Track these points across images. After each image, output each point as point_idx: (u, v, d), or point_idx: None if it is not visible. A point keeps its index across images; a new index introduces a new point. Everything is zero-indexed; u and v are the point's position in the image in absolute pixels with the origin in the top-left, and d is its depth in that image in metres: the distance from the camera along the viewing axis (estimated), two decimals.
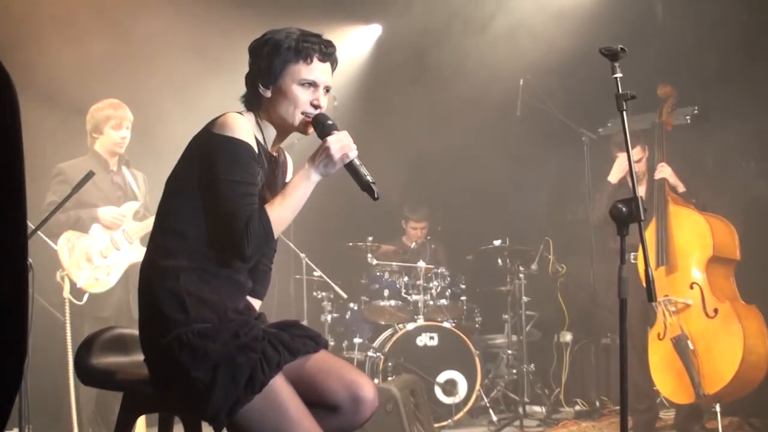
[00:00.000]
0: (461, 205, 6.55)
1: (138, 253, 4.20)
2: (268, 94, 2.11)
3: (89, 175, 3.62)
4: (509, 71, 5.75)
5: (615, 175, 4.71)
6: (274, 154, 2.19)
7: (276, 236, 2.01)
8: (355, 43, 6.56)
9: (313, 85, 2.11)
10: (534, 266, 5.69)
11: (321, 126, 2.10)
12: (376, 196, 2.03)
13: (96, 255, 4.10)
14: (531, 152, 6.26)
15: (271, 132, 2.14)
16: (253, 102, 2.15)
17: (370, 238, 5.65)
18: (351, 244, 5.67)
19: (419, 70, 6.35)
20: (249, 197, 1.98)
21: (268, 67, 2.09)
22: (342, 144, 2.07)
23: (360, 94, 6.45)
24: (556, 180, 6.35)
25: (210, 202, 1.98)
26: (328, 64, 2.14)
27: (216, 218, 1.99)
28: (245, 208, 1.97)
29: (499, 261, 5.70)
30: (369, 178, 2.06)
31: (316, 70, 2.11)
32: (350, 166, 2.07)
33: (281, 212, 2.02)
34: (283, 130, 2.15)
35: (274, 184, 2.16)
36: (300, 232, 5.52)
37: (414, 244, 5.91)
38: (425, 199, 6.29)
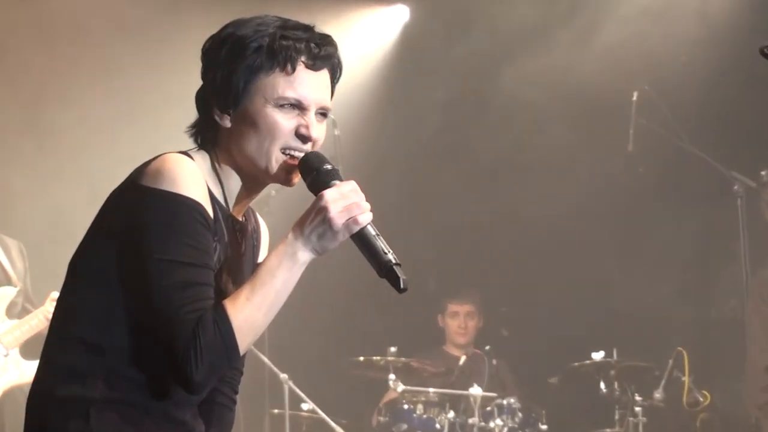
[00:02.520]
0: (538, 296, 6.56)
1: (17, 372, 4.41)
2: (228, 122, 2.05)
3: None
4: (613, 81, 5.86)
5: None
6: (240, 218, 2.13)
7: (242, 350, 1.95)
8: (370, 34, 6.70)
9: (298, 106, 2.02)
10: (659, 394, 5.54)
11: (313, 172, 2.00)
12: (402, 285, 1.94)
13: None
14: (650, 210, 6.28)
15: (235, 182, 2.08)
16: (206, 135, 2.09)
17: (393, 349, 5.67)
18: (362, 358, 5.72)
19: (466, 77, 6.52)
20: (198, 288, 1.92)
21: (228, 79, 2.03)
22: (348, 202, 1.96)
23: (375, 118, 6.56)
24: (692, 253, 6.28)
25: (137, 296, 1.95)
26: (324, 73, 2.06)
27: (148, 322, 1.94)
28: (192, 306, 1.91)
29: (603, 386, 5.65)
30: (391, 256, 1.96)
31: (304, 82, 2.04)
32: (361, 238, 1.97)
33: (250, 312, 1.94)
34: (253, 178, 2.08)
35: (239, 265, 2.12)
36: (280, 338, 5.47)
37: (463, 358, 5.86)
38: (478, 284, 6.45)
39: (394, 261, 1.96)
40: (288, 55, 2.03)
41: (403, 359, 5.65)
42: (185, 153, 2.03)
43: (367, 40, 6.63)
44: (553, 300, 6.50)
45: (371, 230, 1.98)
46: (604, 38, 6.12)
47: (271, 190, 4.90)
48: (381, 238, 1.98)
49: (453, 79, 6.61)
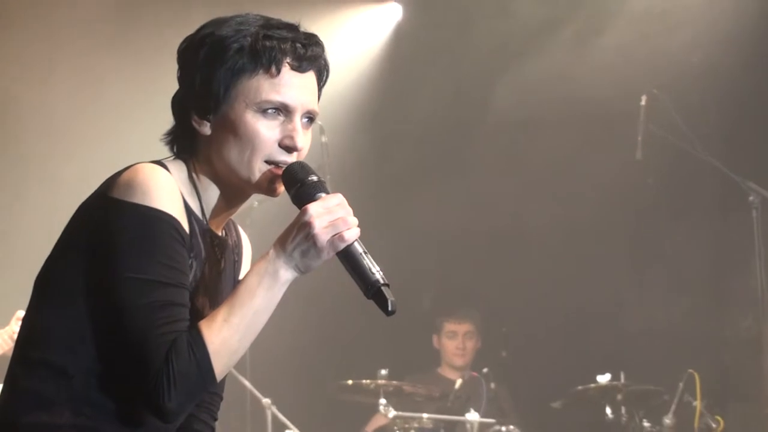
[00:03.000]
0: (540, 314, 6.51)
1: None
2: (207, 129, 2.06)
3: None
4: (618, 84, 5.87)
5: None
6: (220, 232, 2.15)
7: (219, 375, 1.95)
8: (361, 33, 6.68)
9: (283, 110, 2.04)
10: (669, 419, 5.42)
11: (297, 184, 2.02)
12: (390, 308, 1.96)
13: None
14: (660, 223, 6.29)
15: (214, 194, 2.09)
16: (183, 143, 2.11)
17: (384, 372, 5.63)
18: (351, 382, 5.66)
19: (462, 80, 6.52)
20: (172, 309, 1.93)
21: (207, 82, 2.05)
22: (333, 218, 1.96)
23: (366, 124, 6.58)
24: (705, 269, 6.26)
25: (107, 317, 1.95)
26: (310, 75, 2.09)
27: (118, 345, 1.94)
28: (165, 328, 1.91)
29: (609, 411, 5.58)
30: (378, 276, 1.97)
31: (289, 85, 2.05)
32: (347, 256, 1.98)
33: (228, 335, 1.94)
34: (234, 189, 2.09)
35: (217, 284, 2.13)
36: (262, 360, 5.55)
37: (459, 381, 5.78)
38: (475, 302, 6.43)
39: (382, 281, 1.98)
40: (272, 56, 2.03)
41: (394, 382, 5.61)
42: (159, 163, 2.04)
43: (357, 40, 6.63)
44: (555, 319, 6.50)
45: (358, 247, 1.99)
46: (608, 38, 6.12)
47: (254, 201, 4.96)
48: (369, 255, 1.99)
49: (448, 82, 6.60)
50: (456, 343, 6.15)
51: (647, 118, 5.52)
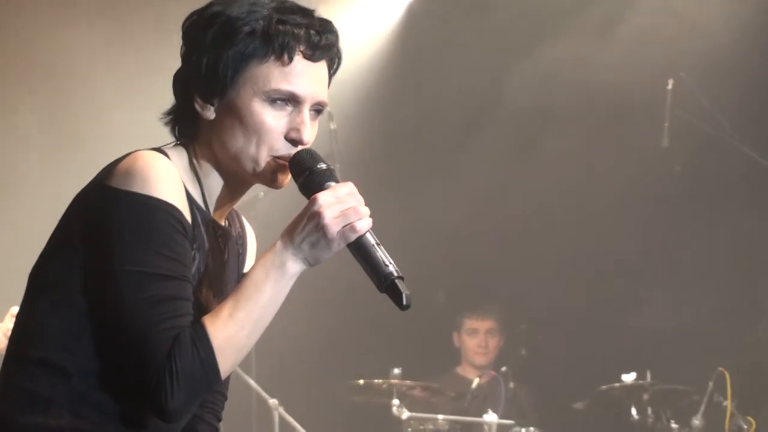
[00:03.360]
0: (561, 311, 6.44)
1: None
2: (211, 113, 2.06)
3: None
4: (643, 67, 5.85)
5: None
6: (223, 222, 2.16)
7: (224, 373, 1.96)
8: (371, 15, 6.57)
9: (292, 101, 2.04)
10: (698, 420, 5.42)
11: (305, 173, 2.03)
12: (405, 302, 1.96)
13: None
14: (688, 214, 6.22)
15: (216, 182, 2.11)
16: (185, 128, 2.11)
17: (397, 371, 5.62)
18: (362, 381, 5.67)
19: (478, 65, 6.45)
20: (174, 304, 1.93)
21: (214, 65, 2.04)
22: (344, 207, 1.97)
23: (377, 111, 6.53)
24: (736, 263, 6.17)
25: (106, 313, 1.95)
26: (322, 65, 2.08)
27: (117, 342, 1.95)
28: (167, 323, 1.91)
29: (634, 412, 5.56)
30: (392, 269, 1.97)
31: (301, 74, 2.05)
32: (359, 248, 1.98)
33: (233, 330, 1.94)
34: (237, 178, 2.10)
35: (221, 276, 2.14)
36: (269, 358, 5.49)
37: (476, 380, 5.75)
38: (493, 298, 6.40)
39: (396, 274, 1.97)
40: (285, 42, 2.03)
41: (408, 382, 5.61)
42: (159, 150, 2.03)
43: (367, 22, 6.56)
44: (578, 315, 6.45)
45: (370, 239, 1.98)
46: (632, 19, 6.06)
47: (259, 191, 4.92)
48: (381, 247, 1.99)
49: (463, 66, 6.57)
50: (477, 341, 6.12)
51: (674, 103, 5.54)
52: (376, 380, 5.60)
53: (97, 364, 1.98)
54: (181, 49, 2.11)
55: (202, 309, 2.01)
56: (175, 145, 2.10)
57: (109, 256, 1.93)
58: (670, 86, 5.51)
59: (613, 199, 6.26)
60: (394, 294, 1.98)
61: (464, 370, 6.14)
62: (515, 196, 6.45)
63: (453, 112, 6.63)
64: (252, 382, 5.31)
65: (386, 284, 1.97)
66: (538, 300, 6.53)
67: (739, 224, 6.14)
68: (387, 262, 1.98)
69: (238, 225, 2.25)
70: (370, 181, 5.39)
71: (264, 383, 5.39)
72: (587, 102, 6.17)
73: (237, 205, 2.22)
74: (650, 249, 6.38)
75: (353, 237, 1.96)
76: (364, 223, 1.97)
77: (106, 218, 1.95)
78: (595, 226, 6.33)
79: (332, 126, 5.49)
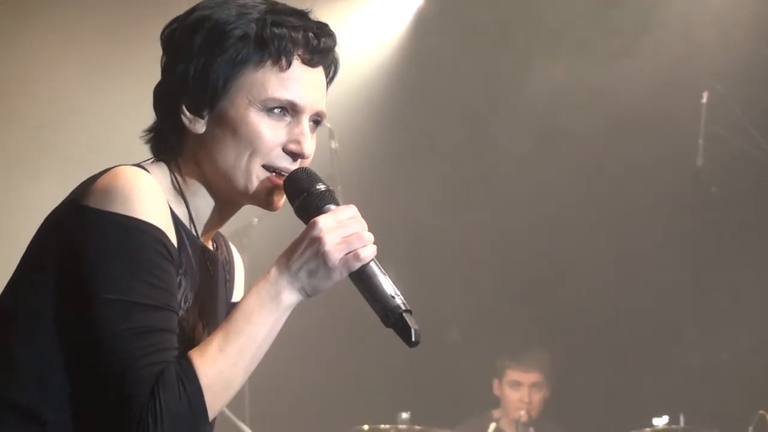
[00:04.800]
0: (588, 349, 6.33)
1: None
2: (201, 126, 2.06)
3: None
4: (674, 80, 5.87)
5: None
6: (210, 245, 2.18)
7: (213, 414, 1.95)
8: (376, 23, 6.59)
9: (290, 110, 2.05)
10: None
11: (303, 194, 2.03)
12: (413, 338, 1.95)
13: None
14: (725, 240, 6.15)
15: (204, 202, 2.11)
16: (167, 142, 2.11)
17: (405, 415, 5.61)
18: (366, 427, 5.64)
19: (490, 76, 6.44)
20: (158, 336, 1.91)
21: (204, 74, 2.04)
22: (347, 233, 1.96)
23: (382, 125, 6.54)
24: None
25: (83, 346, 1.93)
26: (319, 71, 2.09)
27: (96, 378, 1.92)
28: (151, 358, 1.90)
29: None
30: (399, 301, 1.96)
31: (300, 81, 2.07)
32: (362, 278, 1.98)
33: (223, 367, 1.94)
34: (228, 199, 2.11)
35: (210, 304, 2.16)
36: (263, 400, 5.54)
37: (493, 425, 5.69)
38: (512, 333, 6.22)
39: (403, 307, 1.95)
40: (282, 47, 2.02)
41: (417, 428, 5.55)
42: (140, 166, 2.02)
43: (372, 30, 6.60)
44: (605, 354, 6.36)
45: (375, 268, 1.96)
46: (659, 27, 6.01)
47: (253, 217, 4.99)
48: (387, 277, 1.97)
49: (474, 79, 6.53)
50: (520, 395, 5.86)
51: (709, 118, 5.51)
52: (382, 425, 5.57)
53: (73, 407, 1.94)
54: (162, 60, 2.09)
55: (190, 340, 2.00)
56: (154, 161, 2.09)
57: (86, 283, 1.90)
58: (704, 100, 5.47)
59: (643, 223, 6.25)
60: (402, 329, 1.96)
61: (503, 424, 5.84)
62: (531, 225, 6.40)
63: (465, 129, 6.54)
64: (245, 428, 5.24)
65: (393, 318, 1.96)
66: (560, 337, 6.44)
67: None
68: (394, 294, 1.96)
69: (224, 249, 2.23)
70: (375, 203, 5.31)
71: (258, 428, 5.39)
72: (613, 117, 6.09)
73: (228, 234, 2.25)
74: (683, 279, 6.30)
75: (357, 266, 1.94)
76: (368, 251, 1.96)
77: (82, 242, 1.92)
78: (622, 256, 6.31)
79: (333, 145, 5.52)
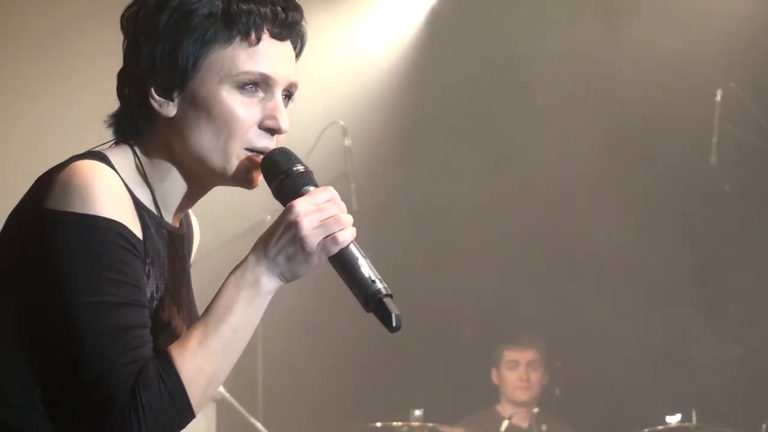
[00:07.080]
0: (599, 346, 6.29)
1: None
2: (171, 109, 2.04)
3: None
4: (687, 77, 5.85)
5: None
6: (177, 225, 2.18)
7: (197, 408, 1.96)
8: (388, 19, 6.44)
9: (262, 85, 2.04)
10: None
11: (280, 176, 2.02)
12: (394, 323, 1.95)
13: None
14: (739, 239, 6.17)
15: (171, 184, 2.10)
16: (136, 127, 2.08)
17: (418, 413, 5.63)
18: (379, 424, 5.67)
19: (506, 72, 6.43)
20: (132, 333, 1.92)
21: (171, 55, 2.02)
22: (325, 216, 1.96)
23: (396, 122, 6.52)
24: None
25: (53, 356, 1.94)
26: (288, 44, 2.10)
27: (73, 385, 1.92)
28: (127, 357, 1.90)
29: None
30: (380, 285, 1.96)
31: (271, 55, 2.06)
32: (341, 262, 1.98)
33: (204, 359, 1.95)
34: (201, 180, 2.11)
35: (182, 288, 2.16)
36: (275, 398, 5.59)
37: (505, 423, 5.64)
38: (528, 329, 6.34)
39: (384, 292, 1.94)
40: (251, 22, 2.01)
41: (430, 425, 5.56)
42: (97, 153, 2.01)
43: (385, 30, 6.54)
44: (617, 352, 6.31)
45: (355, 252, 1.96)
46: (672, 21, 6.03)
47: (267, 215, 4.89)
48: (368, 261, 1.97)
49: (490, 75, 6.50)
50: (518, 374, 5.97)
51: (723, 116, 5.51)
52: (395, 423, 5.60)
53: (47, 423, 1.94)
54: (124, 43, 2.06)
55: (168, 328, 2.01)
56: (114, 145, 2.07)
57: (50, 288, 1.90)
58: (718, 98, 5.48)
59: (655, 222, 6.24)
60: (383, 314, 1.95)
61: (504, 409, 5.96)
62: (545, 223, 6.42)
63: (479, 126, 6.58)
64: (258, 425, 5.27)
65: (373, 303, 1.95)
66: (572, 335, 6.48)
67: None
68: (374, 278, 1.96)
69: (185, 225, 2.23)
70: (390, 200, 5.35)
71: (271, 425, 5.38)
72: (626, 114, 6.14)
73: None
74: (696, 276, 6.33)
75: (335, 249, 1.93)
76: (347, 234, 1.94)
77: (44, 246, 1.91)
78: (635, 254, 6.30)
79: (347, 142, 5.51)
